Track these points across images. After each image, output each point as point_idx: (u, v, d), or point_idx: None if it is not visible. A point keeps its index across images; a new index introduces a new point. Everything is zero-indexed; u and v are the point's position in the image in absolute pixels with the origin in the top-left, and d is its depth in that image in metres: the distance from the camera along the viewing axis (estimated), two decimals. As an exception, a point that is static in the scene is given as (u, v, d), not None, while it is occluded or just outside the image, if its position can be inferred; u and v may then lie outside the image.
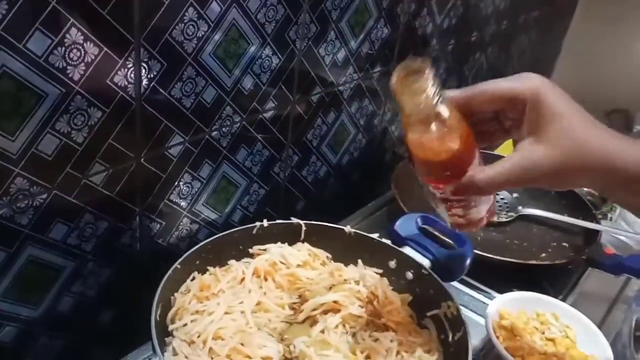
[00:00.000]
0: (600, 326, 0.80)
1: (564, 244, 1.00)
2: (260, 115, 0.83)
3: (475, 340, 0.82)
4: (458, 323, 0.66)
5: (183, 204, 0.78)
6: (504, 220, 1.04)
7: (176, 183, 0.75)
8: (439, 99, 0.46)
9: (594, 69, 1.81)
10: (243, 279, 0.71)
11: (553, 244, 1.00)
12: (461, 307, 0.67)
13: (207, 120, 0.75)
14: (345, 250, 0.78)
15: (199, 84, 0.70)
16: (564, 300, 0.84)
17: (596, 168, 0.49)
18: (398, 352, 0.63)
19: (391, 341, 0.63)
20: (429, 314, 0.71)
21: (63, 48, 0.55)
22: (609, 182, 0.51)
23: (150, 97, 0.66)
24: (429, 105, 0.46)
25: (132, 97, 0.64)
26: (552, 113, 0.49)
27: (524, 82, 0.51)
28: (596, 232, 0.99)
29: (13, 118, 0.54)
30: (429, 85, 0.45)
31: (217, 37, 0.70)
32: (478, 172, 0.51)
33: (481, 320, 0.82)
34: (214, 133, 0.77)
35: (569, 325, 0.80)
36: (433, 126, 0.47)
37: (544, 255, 0.96)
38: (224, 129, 0.78)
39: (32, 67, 0.53)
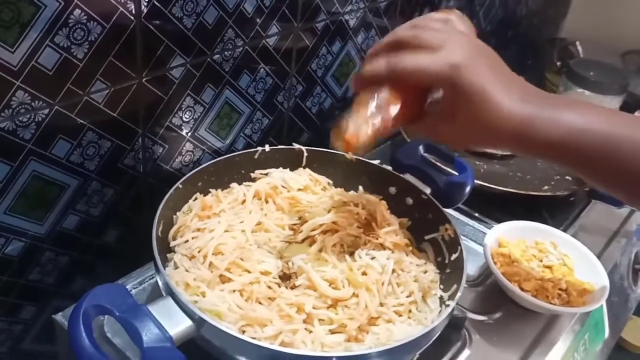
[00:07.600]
0: (599, 257, 0.81)
1: (567, 177, 1.00)
2: (263, 41, 0.82)
3: (473, 268, 0.84)
4: (455, 244, 0.67)
5: (185, 128, 0.78)
6: (508, 153, 1.04)
7: (178, 106, 0.75)
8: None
9: (610, 9, 1.76)
10: (244, 201, 0.72)
11: (556, 177, 1.00)
12: (461, 237, 0.68)
13: (208, 42, 0.74)
14: (346, 177, 0.79)
15: (200, 3, 0.69)
16: (564, 231, 0.85)
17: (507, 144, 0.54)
18: (394, 271, 0.64)
19: (387, 259, 0.64)
20: (427, 237, 0.72)
21: (60, -43, 0.54)
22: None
23: (150, 14, 0.65)
24: None
25: (132, 14, 0.63)
26: (466, 94, 0.51)
27: (445, 58, 0.50)
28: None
29: (12, 28, 0.54)
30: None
31: (218, -46, 0.69)
32: None
33: (480, 249, 0.82)
34: (216, 56, 0.76)
35: (567, 254, 0.81)
36: None
37: (546, 187, 0.96)
38: (226, 53, 0.77)
39: (29, -25, 0.53)
